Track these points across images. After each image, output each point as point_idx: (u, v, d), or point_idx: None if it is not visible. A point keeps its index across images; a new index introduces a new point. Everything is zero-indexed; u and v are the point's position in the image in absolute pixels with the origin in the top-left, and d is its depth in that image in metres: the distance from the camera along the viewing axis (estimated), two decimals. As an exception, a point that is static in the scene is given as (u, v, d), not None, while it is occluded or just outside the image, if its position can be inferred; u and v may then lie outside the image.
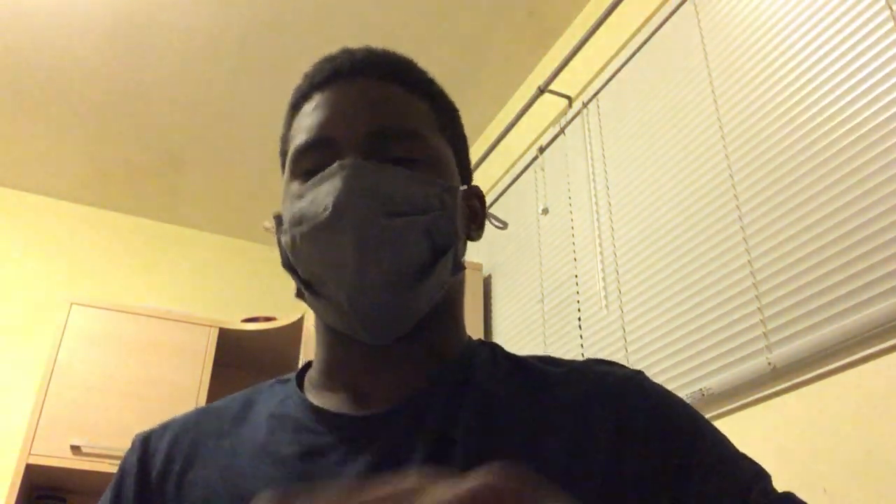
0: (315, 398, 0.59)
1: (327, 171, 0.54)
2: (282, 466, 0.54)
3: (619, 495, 0.51)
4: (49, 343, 2.31)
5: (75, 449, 2.15)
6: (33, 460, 2.10)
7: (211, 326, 2.52)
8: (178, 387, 2.38)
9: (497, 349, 0.63)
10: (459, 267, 0.60)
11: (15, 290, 2.74)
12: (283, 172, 0.61)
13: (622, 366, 0.62)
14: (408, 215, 0.54)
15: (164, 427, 0.62)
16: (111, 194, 2.96)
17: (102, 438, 2.20)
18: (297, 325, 2.55)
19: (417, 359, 0.58)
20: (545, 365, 0.61)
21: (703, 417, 0.58)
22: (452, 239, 0.58)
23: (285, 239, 0.57)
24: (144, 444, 0.61)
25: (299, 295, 0.59)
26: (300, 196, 0.56)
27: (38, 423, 2.15)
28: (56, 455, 2.13)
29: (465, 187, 0.62)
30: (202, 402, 2.38)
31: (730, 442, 0.57)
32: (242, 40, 2.26)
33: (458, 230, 0.59)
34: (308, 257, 0.56)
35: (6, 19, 2.18)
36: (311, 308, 0.59)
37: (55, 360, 2.25)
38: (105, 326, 2.37)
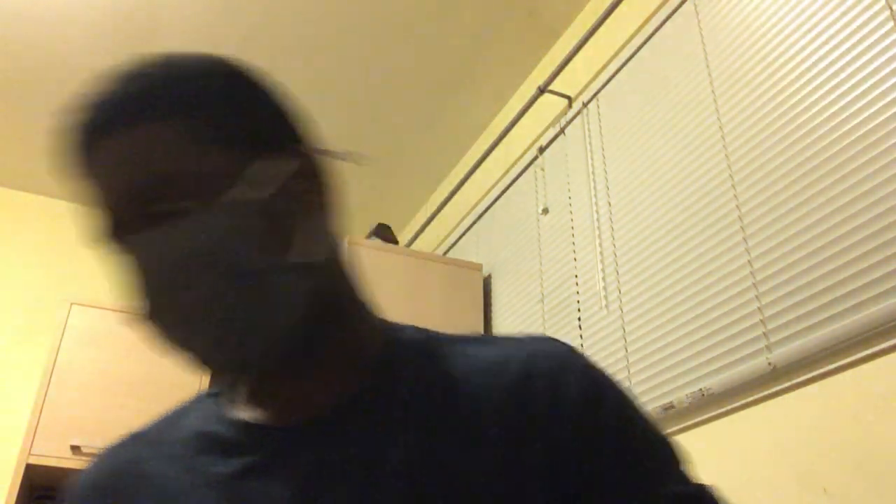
0: (244, 409, 0.56)
1: (127, 248, 0.51)
2: (213, 490, 0.52)
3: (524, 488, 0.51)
4: (49, 343, 2.30)
5: (75, 449, 2.15)
6: (33, 460, 2.10)
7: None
8: (178, 384, 2.38)
9: (431, 334, 0.59)
10: (318, 264, 0.53)
11: (15, 290, 2.74)
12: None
13: (554, 345, 0.58)
14: (224, 266, 0.49)
15: (100, 462, 0.62)
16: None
17: (102, 438, 2.20)
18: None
19: (325, 365, 0.55)
20: (475, 350, 0.57)
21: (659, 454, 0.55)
22: (322, 259, 0.53)
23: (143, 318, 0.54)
24: (83, 487, 0.61)
25: None
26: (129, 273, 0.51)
27: (38, 423, 2.15)
28: (56, 455, 2.14)
29: (271, 189, 0.51)
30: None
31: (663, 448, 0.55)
32: (244, 37, 2.26)
33: (292, 234, 0.51)
34: (174, 341, 0.52)
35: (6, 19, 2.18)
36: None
37: (55, 361, 2.26)
38: (105, 326, 2.37)
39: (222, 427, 0.56)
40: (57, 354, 2.27)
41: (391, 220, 3.04)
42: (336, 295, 0.55)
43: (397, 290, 2.18)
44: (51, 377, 2.23)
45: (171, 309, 0.49)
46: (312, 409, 0.54)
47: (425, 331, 0.60)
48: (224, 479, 0.52)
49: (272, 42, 2.29)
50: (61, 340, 2.30)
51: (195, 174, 0.49)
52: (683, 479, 0.53)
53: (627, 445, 0.53)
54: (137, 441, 0.61)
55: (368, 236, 2.42)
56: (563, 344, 0.58)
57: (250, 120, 0.52)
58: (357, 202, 2.99)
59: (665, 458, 0.54)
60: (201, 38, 2.26)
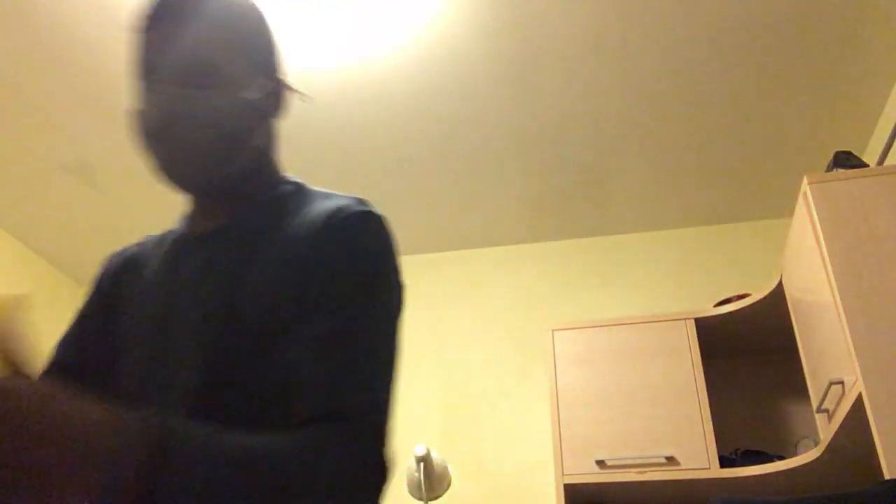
0: (185, 224, 0.91)
1: (149, 95, 0.81)
2: (158, 274, 0.87)
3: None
4: (543, 371, 2.47)
5: (601, 463, 2.24)
6: (568, 480, 2.25)
7: (685, 319, 2.42)
8: (673, 387, 2.32)
9: (301, 185, 0.90)
10: (256, 144, 0.86)
11: (502, 329, 3.06)
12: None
13: (355, 203, 0.82)
14: (202, 123, 0.79)
15: (117, 253, 0.97)
16: (546, 226, 3.14)
17: (622, 449, 2.25)
18: (777, 294, 2.28)
19: (226, 194, 0.86)
20: (321, 197, 0.85)
21: (357, 298, 0.74)
22: (245, 129, 0.83)
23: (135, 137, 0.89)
24: (105, 262, 0.97)
25: None
26: (135, 112, 0.82)
27: (561, 446, 2.30)
28: (587, 472, 2.25)
29: (252, 91, 0.84)
30: (703, 399, 2.27)
31: (364, 343, 0.73)
32: (623, 42, 2.19)
33: (251, 122, 0.84)
34: (143, 152, 0.83)
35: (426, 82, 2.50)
36: None
37: (556, 385, 2.41)
38: (587, 344, 2.46)
39: (173, 236, 0.91)
40: (556, 379, 2.42)
41: (848, 145, 2.57)
42: (248, 153, 0.85)
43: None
44: (557, 401, 2.38)
45: (161, 136, 0.78)
46: (209, 226, 0.86)
47: (298, 185, 0.89)
48: (166, 267, 0.87)
49: (649, 44, 2.16)
50: (555, 365, 2.45)
51: (214, 63, 0.80)
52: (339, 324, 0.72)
53: (323, 284, 0.74)
54: (141, 245, 0.96)
55: (828, 170, 2.05)
56: (364, 205, 0.81)
57: (252, 42, 0.85)
58: (802, 139, 2.61)
59: (343, 307, 0.74)
60: (582, 46, 2.25)
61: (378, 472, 0.69)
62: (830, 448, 1.87)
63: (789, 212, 2.92)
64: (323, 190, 0.87)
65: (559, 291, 3.11)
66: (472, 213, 3.05)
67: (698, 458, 2.19)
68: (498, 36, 2.22)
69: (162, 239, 0.94)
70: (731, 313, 2.41)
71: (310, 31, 2.19)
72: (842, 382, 1.68)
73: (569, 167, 2.78)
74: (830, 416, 1.83)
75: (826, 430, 1.89)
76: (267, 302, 0.75)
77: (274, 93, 0.86)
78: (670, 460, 2.20)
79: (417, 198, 2.95)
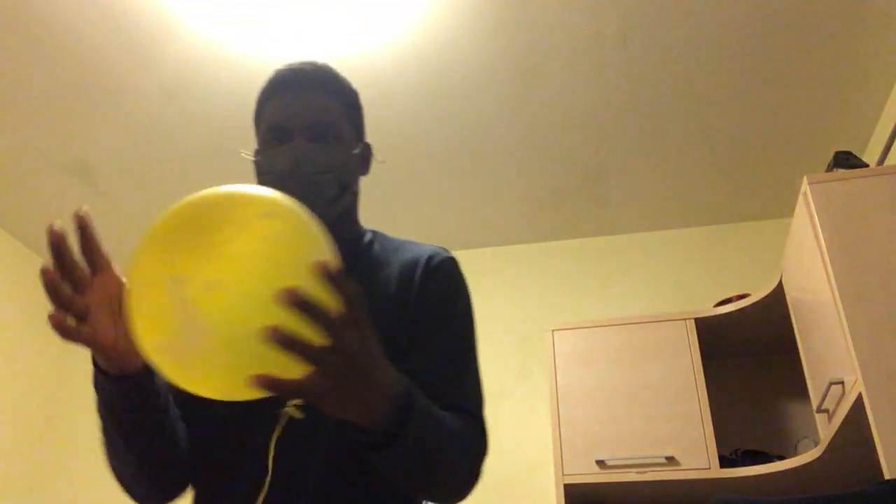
0: None
1: (286, 146, 1.00)
2: None
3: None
4: (543, 371, 2.47)
5: (601, 463, 2.24)
6: (568, 480, 2.25)
7: (685, 319, 2.42)
8: (673, 387, 2.32)
9: (378, 233, 1.11)
10: (354, 192, 1.07)
11: (502, 329, 3.06)
12: (257, 133, 1.06)
13: (438, 250, 1.06)
14: (327, 171, 1.00)
15: None
16: (546, 226, 3.14)
17: (622, 449, 2.25)
18: (777, 294, 2.28)
19: (337, 228, 0.93)
20: (404, 245, 1.07)
21: (466, 325, 1.02)
22: (351, 179, 1.04)
23: (258, 178, 1.02)
24: None
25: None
26: (267, 155, 1.01)
27: (561, 446, 2.30)
28: (586, 472, 2.25)
29: (356, 150, 1.06)
30: (703, 399, 2.27)
31: (471, 360, 0.99)
32: (623, 42, 2.19)
33: (354, 175, 1.05)
34: (270, 184, 0.94)
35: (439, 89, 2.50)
36: None
37: (556, 385, 2.41)
38: (587, 344, 2.46)
39: None
40: (556, 379, 2.42)
41: (848, 145, 2.58)
42: (353, 206, 1.08)
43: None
44: (557, 401, 2.38)
45: (289, 182, 0.97)
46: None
47: (375, 231, 1.10)
48: None
49: (648, 43, 2.17)
50: (555, 365, 2.45)
51: (340, 129, 1.03)
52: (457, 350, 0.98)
53: (439, 313, 0.99)
54: None
55: (828, 170, 2.05)
56: (449, 252, 1.07)
57: (356, 112, 1.08)
58: (802, 139, 2.61)
59: (454, 335, 0.99)
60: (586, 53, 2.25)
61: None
62: (830, 448, 1.87)
63: (789, 212, 2.92)
64: (398, 238, 1.11)
65: (559, 291, 3.11)
66: (472, 213, 3.05)
67: (698, 458, 2.19)
68: (498, 37, 2.22)
69: None
70: (731, 313, 2.41)
71: (309, 32, 2.19)
72: (842, 382, 1.68)
73: (569, 167, 2.78)
74: (830, 416, 1.83)
75: (826, 430, 1.89)
76: (380, 327, 0.80)
77: (365, 154, 1.09)
78: (670, 460, 2.20)
79: (417, 198, 2.95)
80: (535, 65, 2.32)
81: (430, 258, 1.02)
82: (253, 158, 1.04)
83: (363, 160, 1.09)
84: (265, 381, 0.58)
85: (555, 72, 2.35)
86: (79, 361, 3.41)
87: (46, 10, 2.12)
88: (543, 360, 2.90)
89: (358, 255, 1.03)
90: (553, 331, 2.50)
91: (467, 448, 0.86)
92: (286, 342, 0.58)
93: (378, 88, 2.36)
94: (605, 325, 2.47)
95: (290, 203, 0.69)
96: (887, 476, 1.45)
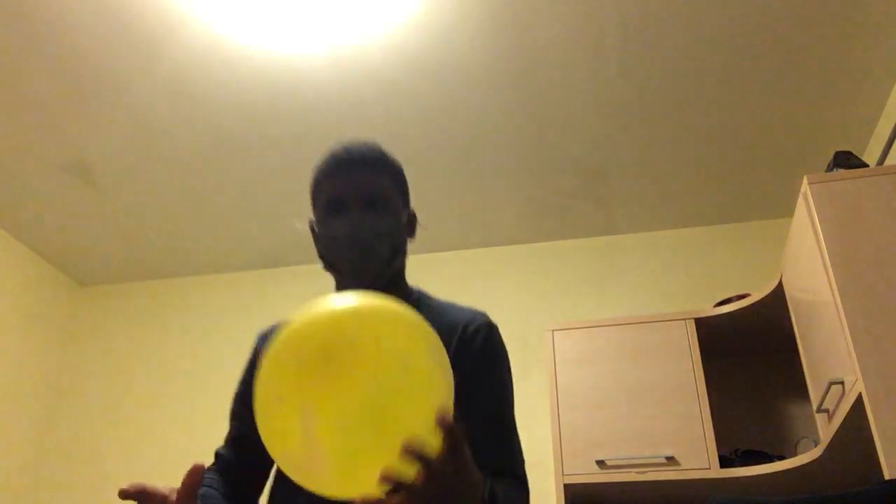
0: None
1: (344, 215, 1.14)
2: None
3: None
4: (543, 371, 2.47)
5: (601, 463, 2.24)
6: (568, 480, 2.24)
7: (685, 319, 2.42)
8: (674, 387, 2.32)
9: (422, 293, 1.24)
10: (404, 254, 1.20)
11: (502, 329, 3.05)
12: (314, 206, 1.20)
13: (482, 315, 1.21)
14: (381, 235, 1.13)
15: (270, 329, 1.26)
16: (546, 226, 3.14)
17: (622, 448, 2.25)
18: (777, 294, 2.28)
19: (390, 287, 1.15)
20: (444, 309, 1.19)
21: (505, 389, 1.21)
22: (401, 243, 1.18)
23: (319, 244, 1.19)
24: (256, 340, 1.28)
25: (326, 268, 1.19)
26: (328, 225, 1.16)
27: (561, 446, 2.30)
28: (587, 472, 2.25)
29: (405, 218, 1.21)
30: (703, 399, 2.27)
31: (510, 422, 1.17)
32: (623, 42, 2.19)
33: (404, 239, 1.19)
34: (333, 255, 1.16)
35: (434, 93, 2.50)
36: (333, 276, 1.19)
37: (556, 385, 2.40)
38: (587, 344, 2.46)
39: None
40: (556, 379, 2.42)
41: (848, 145, 2.58)
42: (402, 267, 1.22)
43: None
44: (557, 402, 2.38)
45: (349, 247, 1.13)
46: None
47: (420, 291, 1.24)
48: None
49: (649, 40, 2.17)
50: (555, 365, 2.45)
51: (390, 200, 1.17)
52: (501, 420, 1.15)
53: (486, 379, 1.15)
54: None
55: (828, 170, 2.05)
56: (486, 316, 1.21)
57: (403, 185, 1.23)
58: (802, 139, 2.61)
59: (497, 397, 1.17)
60: (582, 52, 2.25)
61: None
62: (830, 448, 1.87)
63: (789, 212, 2.92)
64: (441, 300, 1.24)
65: (559, 291, 3.10)
66: (472, 213, 3.05)
67: (698, 458, 2.19)
68: (498, 37, 2.21)
69: None
70: (731, 313, 2.41)
71: (309, 32, 2.19)
72: (842, 382, 1.68)
73: (569, 167, 2.78)
74: (830, 416, 1.83)
75: (826, 430, 1.89)
76: None
77: (411, 220, 1.24)
78: (670, 460, 2.20)
79: (417, 198, 2.92)
80: (535, 66, 2.32)
81: (467, 326, 1.14)
82: (310, 227, 1.21)
83: (410, 226, 1.24)
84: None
85: (555, 72, 2.34)
86: (79, 361, 3.41)
87: (46, 11, 2.12)
88: (543, 360, 2.90)
89: None
90: (553, 331, 2.50)
91: None
92: (393, 482, 0.69)
93: (378, 88, 2.36)
94: (605, 325, 2.47)
95: (412, 320, 0.78)
96: (887, 476, 1.45)
